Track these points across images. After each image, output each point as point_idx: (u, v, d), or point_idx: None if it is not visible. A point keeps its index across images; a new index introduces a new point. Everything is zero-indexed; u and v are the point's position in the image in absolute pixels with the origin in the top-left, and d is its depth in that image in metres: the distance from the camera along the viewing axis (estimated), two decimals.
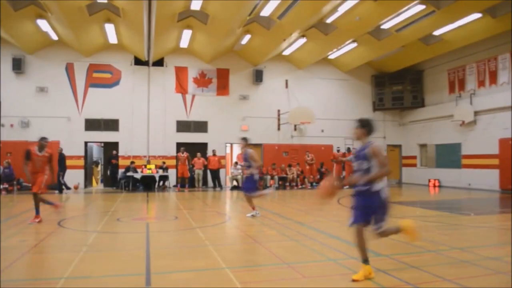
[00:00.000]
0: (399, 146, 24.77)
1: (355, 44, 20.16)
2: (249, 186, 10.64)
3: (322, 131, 22.65)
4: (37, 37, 18.92)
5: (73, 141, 19.97)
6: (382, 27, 17.93)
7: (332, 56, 22.11)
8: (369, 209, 4.95)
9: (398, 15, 16.31)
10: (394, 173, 24.11)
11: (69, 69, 20.26)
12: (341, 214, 10.85)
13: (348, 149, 21.72)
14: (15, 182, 18.48)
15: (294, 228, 8.69)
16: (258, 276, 5.30)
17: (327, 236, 7.76)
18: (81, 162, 20.32)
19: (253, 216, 10.37)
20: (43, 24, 17.50)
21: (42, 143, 9.57)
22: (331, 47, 20.15)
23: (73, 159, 19.72)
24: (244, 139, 10.92)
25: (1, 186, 17.77)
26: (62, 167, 18.10)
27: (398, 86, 23.78)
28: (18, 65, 19.48)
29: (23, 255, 6.32)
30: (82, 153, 20.38)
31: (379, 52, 20.59)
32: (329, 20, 17.61)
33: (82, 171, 20.28)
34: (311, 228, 8.74)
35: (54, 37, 19.15)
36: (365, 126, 5.20)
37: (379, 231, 5.00)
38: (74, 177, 19.50)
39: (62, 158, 18.20)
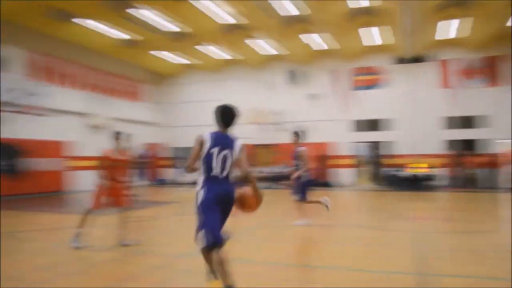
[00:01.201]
0: None
1: None
2: (296, 190, 8.94)
3: None
4: (306, 49, 21.14)
5: (343, 141, 21.46)
6: None
7: None
8: None
9: None
10: None
11: (335, 75, 21.84)
12: None
13: None
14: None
15: None
16: None
17: None
18: (351, 161, 21.61)
19: (303, 225, 8.79)
20: (310, 37, 19.53)
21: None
22: None
23: (343, 159, 21.23)
24: (297, 134, 9.08)
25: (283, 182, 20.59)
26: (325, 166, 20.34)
27: None
28: (292, 77, 22.21)
29: (306, 244, 7.28)
30: (352, 153, 21.66)
31: None
32: None
33: (352, 170, 21.59)
34: None
35: (320, 47, 20.99)
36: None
37: None
38: (345, 175, 21.15)
39: (324, 158, 20.32)
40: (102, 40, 19.07)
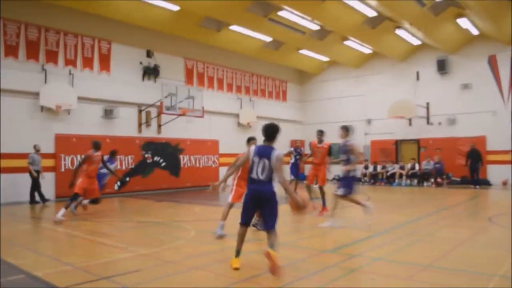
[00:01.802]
0: None
1: None
2: (345, 186, 8.60)
3: None
4: (458, 36, 19.59)
5: (501, 135, 19.24)
6: None
7: None
8: None
9: None
10: None
11: (492, 62, 19.80)
12: None
13: None
14: (444, 176, 19.69)
15: None
16: None
17: None
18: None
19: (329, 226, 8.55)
20: (463, 22, 18.10)
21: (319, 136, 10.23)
22: None
23: (501, 154, 19.10)
24: (345, 128, 8.88)
25: (432, 180, 19.42)
26: (478, 163, 18.31)
27: None
28: (442, 66, 20.76)
29: (455, 247, 6.85)
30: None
31: None
32: None
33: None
34: None
35: (474, 32, 19.28)
36: None
37: None
38: (505, 173, 18.98)
39: (476, 154, 18.38)
40: (249, 44, 20.21)
